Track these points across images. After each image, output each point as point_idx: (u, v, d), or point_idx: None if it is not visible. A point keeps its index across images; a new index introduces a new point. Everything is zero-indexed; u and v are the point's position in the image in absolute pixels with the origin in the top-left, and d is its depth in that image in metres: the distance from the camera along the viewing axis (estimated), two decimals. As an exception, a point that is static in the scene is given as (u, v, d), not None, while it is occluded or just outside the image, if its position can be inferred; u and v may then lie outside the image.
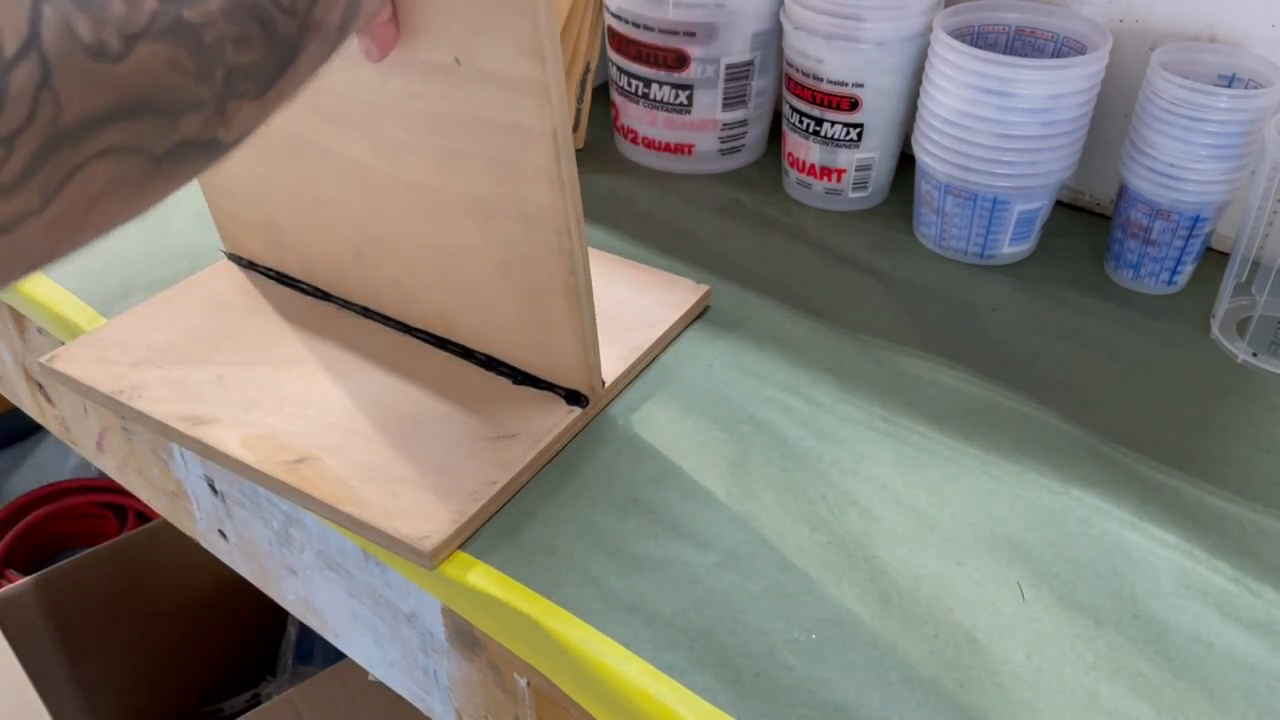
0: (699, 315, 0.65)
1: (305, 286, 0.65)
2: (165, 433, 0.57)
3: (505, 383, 0.57)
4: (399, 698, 0.65)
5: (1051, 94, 0.63)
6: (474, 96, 0.47)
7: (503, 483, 0.51)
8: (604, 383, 0.57)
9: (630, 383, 0.59)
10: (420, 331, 0.61)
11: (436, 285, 0.58)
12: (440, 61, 0.47)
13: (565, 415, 0.55)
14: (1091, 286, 0.69)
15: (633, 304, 0.64)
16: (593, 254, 0.69)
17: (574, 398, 0.56)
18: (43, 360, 0.61)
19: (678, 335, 0.63)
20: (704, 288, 0.65)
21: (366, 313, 0.63)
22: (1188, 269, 0.68)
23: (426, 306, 0.59)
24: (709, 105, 0.77)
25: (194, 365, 0.60)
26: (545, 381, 0.57)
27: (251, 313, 0.64)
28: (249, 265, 0.67)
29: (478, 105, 0.47)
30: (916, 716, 0.43)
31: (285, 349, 0.61)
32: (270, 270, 0.66)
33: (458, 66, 0.46)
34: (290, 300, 0.65)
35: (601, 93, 0.86)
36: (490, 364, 0.58)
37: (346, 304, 0.63)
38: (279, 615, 1.25)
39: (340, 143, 0.55)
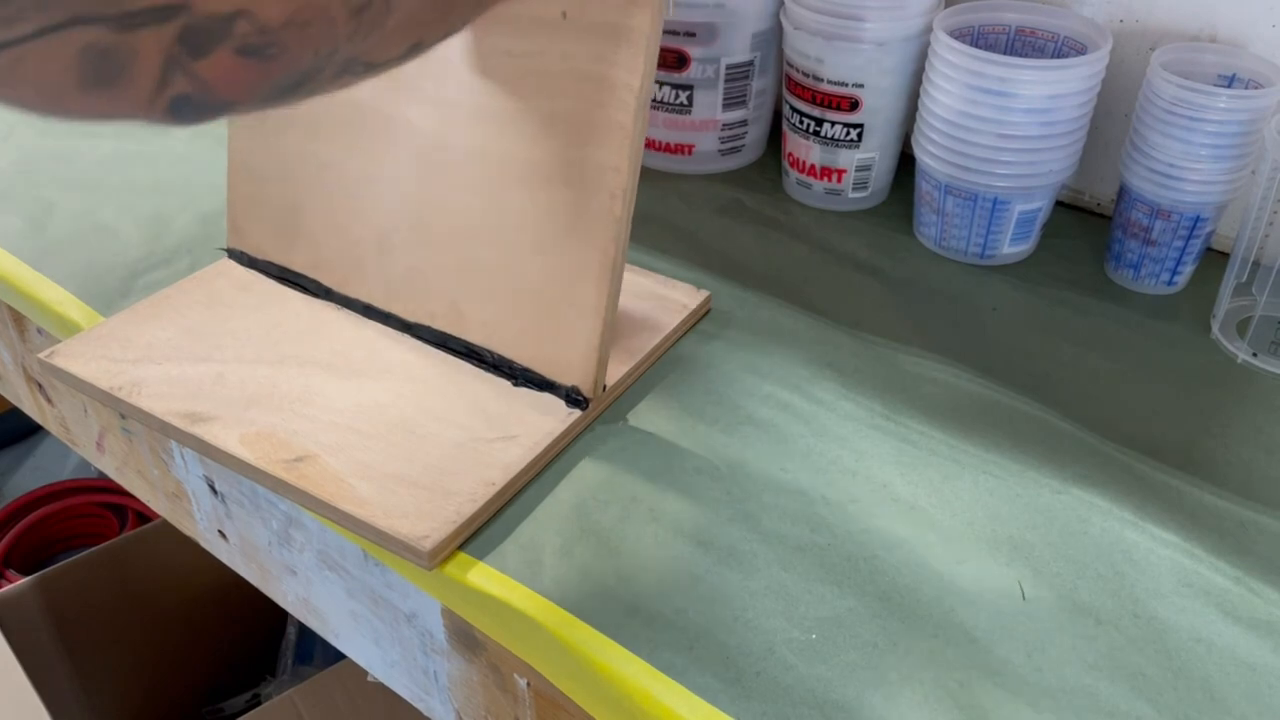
0: (699, 320, 0.65)
1: (307, 284, 0.65)
2: (164, 430, 0.57)
3: (505, 384, 0.57)
4: (399, 698, 0.65)
5: (1051, 94, 0.63)
6: (570, 50, 0.50)
7: (501, 484, 0.51)
8: (604, 386, 0.57)
9: (629, 387, 0.59)
10: (422, 329, 0.61)
11: (457, 271, 0.58)
12: (547, 16, 0.49)
13: (565, 417, 0.55)
14: (1091, 286, 0.69)
15: (633, 309, 0.64)
16: None
17: (574, 400, 0.56)
18: (42, 356, 0.61)
19: (677, 340, 0.63)
20: (704, 293, 0.65)
21: (368, 312, 0.63)
22: (1188, 269, 0.68)
23: (438, 297, 0.60)
24: (709, 105, 0.77)
25: (194, 363, 0.60)
26: (546, 381, 0.57)
27: (252, 311, 0.64)
28: (250, 263, 0.67)
29: (570, 59, 0.50)
30: (916, 716, 0.43)
31: (285, 348, 0.61)
32: (272, 267, 0.66)
33: (563, 20, 0.49)
34: (291, 300, 0.65)
35: (601, 93, 0.86)
36: (491, 364, 0.58)
37: (347, 303, 0.63)
38: (279, 615, 1.25)
39: (406, 109, 0.57)
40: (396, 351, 0.60)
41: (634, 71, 0.48)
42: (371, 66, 0.33)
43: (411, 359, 0.60)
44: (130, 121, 0.29)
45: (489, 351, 0.58)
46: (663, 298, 0.65)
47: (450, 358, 0.59)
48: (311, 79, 0.31)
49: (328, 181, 0.62)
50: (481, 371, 0.58)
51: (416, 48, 0.34)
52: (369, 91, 0.59)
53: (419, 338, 0.61)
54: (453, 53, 0.54)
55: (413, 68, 0.55)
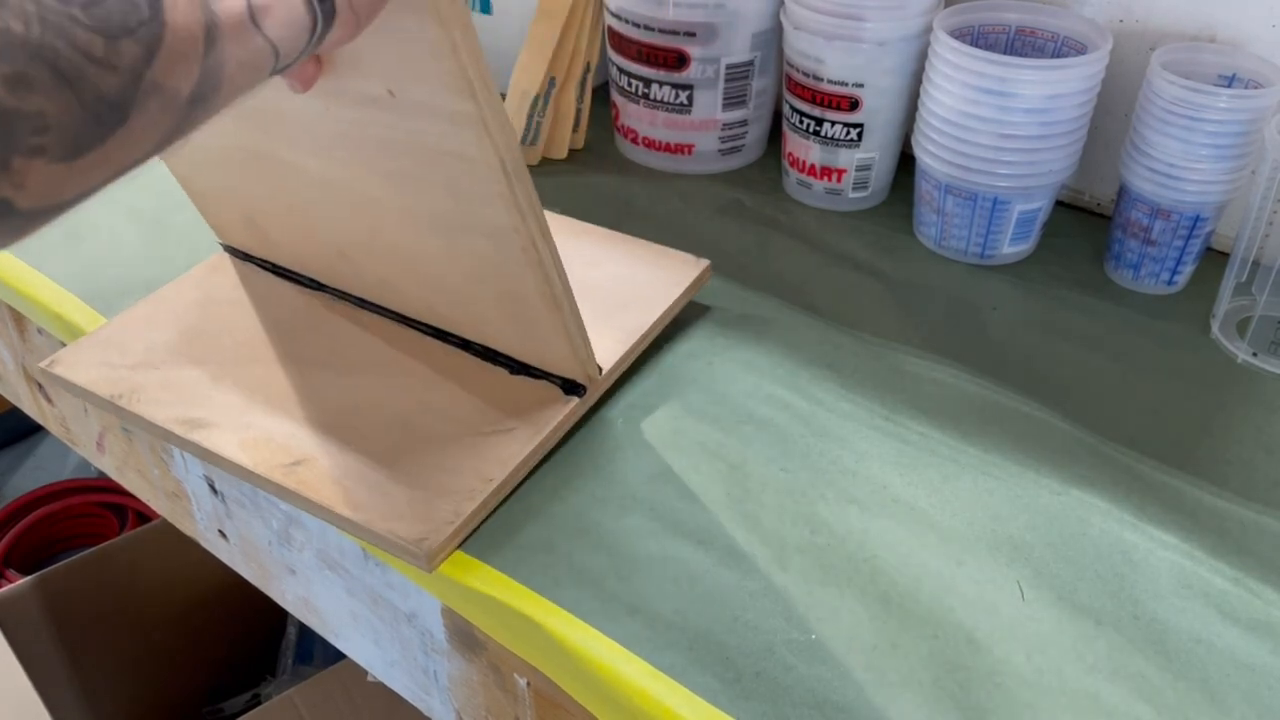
0: (699, 289, 0.64)
1: (300, 278, 0.65)
2: (165, 437, 0.57)
3: (502, 372, 0.57)
4: (399, 698, 0.65)
5: (1051, 94, 0.63)
6: (414, 125, 0.46)
7: (499, 480, 0.51)
8: (600, 370, 0.56)
9: (629, 366, 0.59)
10: (415, 322, 0.60)
11: (421, 285, 0.58)
12: (375, 93, 0.45)
13: (563, 406, 0.55)
14: (1091, 286, 0.69)
15: (629, 281, 0.62)
16: (588, 230, 0.68)
17: (571, 387, 0.56)
18: (43, 365, 0.61)
19: (677, 313, 0.62)
20: (704, 262, 0.64)
21: (362, 303, 0.62)
22: (1188, 269, 0.68)
23: (416, 302, 0.59)
24: (709, 105, 0.77)
25: (192, 365, 0.60)
26: (542, 371, 0.56)
27: (248, 308, 0.64)
28: (245, 257, 0.67)
29: (419, 133, 0.46)
30: (916, 716, 0.43)
31: (282, 345, 0.61)
32: (265, 262, 0.66)
33: (392, 99, 0.45)
34: (286, 292, 0.64)
35: (601, 93, 0.86)
36: (486, 354, 0.58)
37: (341, 295, 0.63)
38: (279, 615, 1.25)
39: (298, 158, 0.54)
40: (393, 343, 0.60)
41: (485, 149, 0.44)
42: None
43: (407, 351, 0.59)
44: None
45: (480, 345, 0.58)
46: (660, 268, 0.63)
47: (447, 347, 0.59)
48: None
49: (268, 206, 0.60)
50: (478, 361, 0.58)
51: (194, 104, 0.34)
52: (256, 140, 0.54)
53: (415, 329, 0.61)
54: (314, 117, 0.49)
55: (285, 125, 0.51)
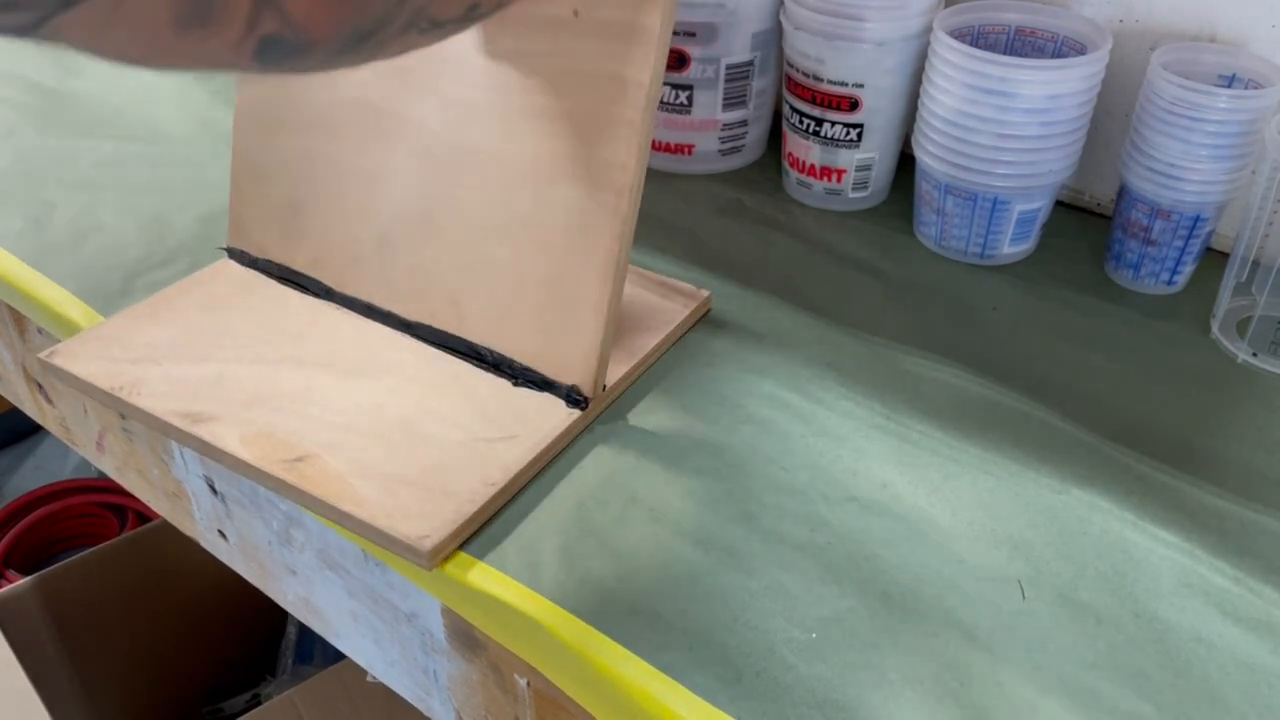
0: (699, 319, 0.65)
1: (307, 283, 0.65)
2: (164, 429, 0.57)
3: (505, 384, 0.57)
4: (399, 698, 0.65)
5: (1051, 94, 0.63)
6: (581, 48, 0.50)
7: (502, 484, 0.51)
8: (604, 386, 0.57)
9: (630, 386, 0.59)
10: (422, 328, 0.61)
11: (458, 269, 0.58)
12: (559, 15, 0.50)
13: (565, 417, 0.55)
14: (1091, 286, 0.69)
15: (633, 309, 0.64)
16: None
17: (574, 400, 0.56)
18: (42, 356, 0.61)
19: (677, 340, 0.63)
20: (704, 293, 0.65)
21: (368, 311, 0.63)
22: (1188, 269, 0.68)
23: (438, 295, 0.60)
24: (709, 105, 0.77)
25: (194, 362, 0.60)
26: (546, 380, 0.57)
27: (252, 311, 0.64)
28: (250, 262, 0.67)
29: (582, 57, 0.50)
30: (916, 716, 0.43)
31: (285, 348, 0.61)
32: (272, 266, 0.66)
33: (575, 19, 0.49)
34: (290, 299, 0.65)
35: (601, 93, 0.86)
36: (491, 363, 0.58)
37: (347, 302, 0.63)
38: (279, 615, 1.25)
39: (416, 107, 0.57)
40: (396, 351, 0.60)
41: (645, 69, 0.49)
42: (435, 24, 0.34)
43: (411, 358, 0.60)
44: (218, 68, 0.29)
45: (489, 350, 0.58)
46: (663, 297, 0.65)
47: (451, 357, 0.59)
48: (382, 28, 0.32)
49: (332, 180, 0.62)
50: (482, 371, 0.58)
51: (474, 9, 0.35)
52: (380, 90, 0.59)
53: (419, 337, 0.61)
54: (465, 51, 0.54)
55: (427, 66, 0.55)
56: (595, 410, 0.57)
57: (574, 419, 0.55)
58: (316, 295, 0.65)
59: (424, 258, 0.60)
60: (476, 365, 0.59)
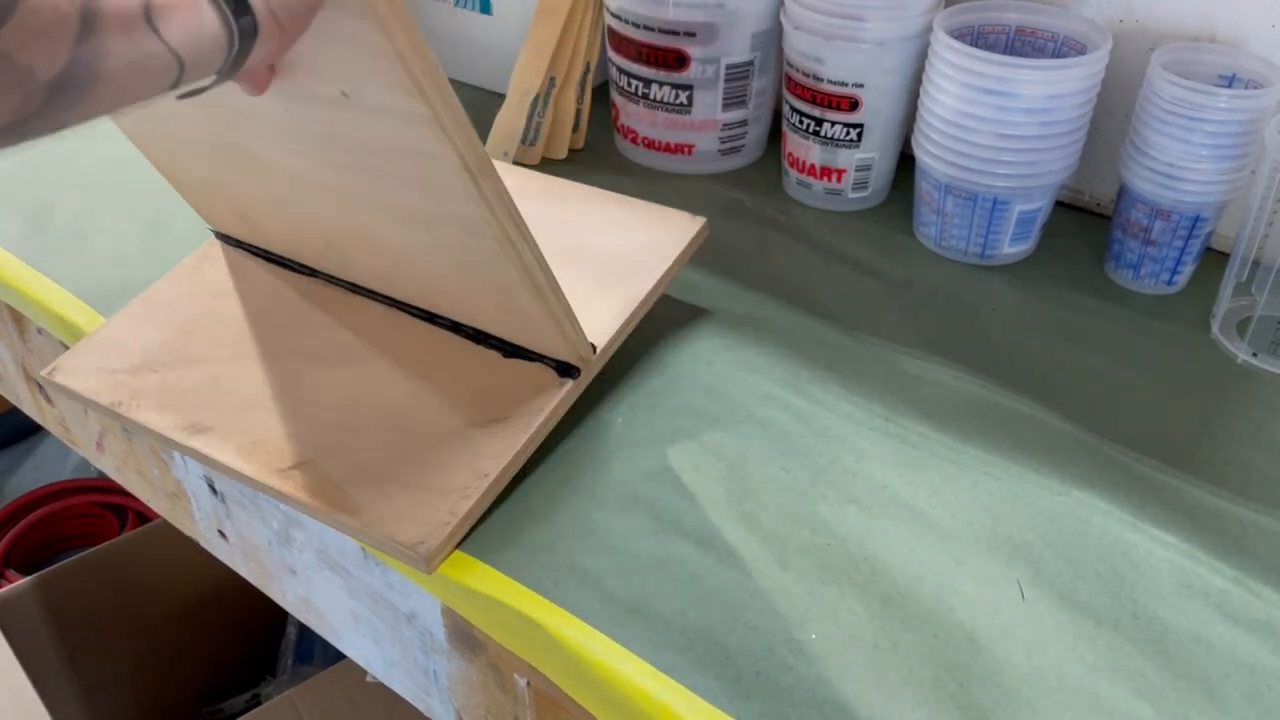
0: (696, 249, 0.62)
1: (293, 263, 0.64)
2: (165, 443, 0.57)
3: (495, 355, 0.56)
4: (399, 698, 0.65)
5: (1051, 94, 0.63)
6: (373, 124, 0.45)
7: (494, 474, 0.51)
8: (595, 349, 0.55)
9: (630, 363, 0.58)
10: (407, 306, 0.60)
11: (410, 274, 0.57)
12: (330, 94, 0.45)
13: (557, 390, 0.54)
14: (1091, 286, 0.69)
15: (624, 245, 0.60)
16: (580, 192, 0.66)
17: (565, 369, 0.55)
18: (43, 374, 0.61)
19: (675, 277, 0.60)
20: (700, 220, 0.62)
21: (354, 288, 0.62)
22: (1188, 269, 0.68)
23: (406, 288, 0.59)
24: (709, 105, 0.77)
25: (189, 366, 0.60)
26: (535, 353, 0.55)
27: (242, 298, 0.63)
28: (236, 244, 0.67)
29: (380, 132, 0.45)
30: (916, 716, 0.43)
31: (277, 338, 0.60)
32: (255, 248, 0.66)
33: (346, 99, 0.44)
34: (279, 278, 0.64)
35: (601, 93, 0.86)
36: (479, 337, 0.58)
37: (332, 279, 0.63)
38: (279, 615, 1.25)
39: (271, 154, 0.53)
40: (385, 329, 0.59)
41: (445, 148, 0.43)
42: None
43: (400, 337, 0.59)
44: None
45: (472, 328, 0.58)
46: (656, 231, 0.62)
47: (440, 331, 0.58)
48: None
49: (254, 199, 0.60)
50: (471, 345, 0.57)
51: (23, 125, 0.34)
52: (230, 135, 0.54)
53: (407, 312, 0.60)
54: (275, 116, 0.49)
55: (249, 122, 0.51)
56: (589, 374, 0.55)
57: (567, 389, 0.54)
58: (302, 273, 0.64)
59: (373, 262, 0.58)
60: (466, 338, 0.57)
